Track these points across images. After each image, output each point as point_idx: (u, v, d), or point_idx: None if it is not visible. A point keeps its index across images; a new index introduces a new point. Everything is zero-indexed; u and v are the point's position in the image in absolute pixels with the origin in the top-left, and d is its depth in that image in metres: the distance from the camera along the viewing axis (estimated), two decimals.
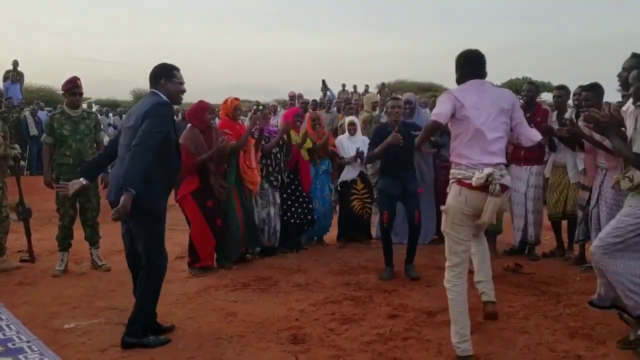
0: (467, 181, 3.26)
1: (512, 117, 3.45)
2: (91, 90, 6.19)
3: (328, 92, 17.97)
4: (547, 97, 17.40)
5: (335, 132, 8.63)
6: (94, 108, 20.53)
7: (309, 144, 6.62)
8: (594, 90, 5.21)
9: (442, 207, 3.45)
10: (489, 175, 3.19)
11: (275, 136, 6.29)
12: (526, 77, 23.24)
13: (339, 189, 6.98)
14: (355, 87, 19.43)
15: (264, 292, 4.99)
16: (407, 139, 5.66)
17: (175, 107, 4.44)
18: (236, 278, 5.38)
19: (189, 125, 5.56)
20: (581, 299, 4.58)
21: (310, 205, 6.61)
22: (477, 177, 3.19)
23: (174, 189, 4.72)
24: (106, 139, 6.03)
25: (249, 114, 7.44)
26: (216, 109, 6.07)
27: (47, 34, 47.21)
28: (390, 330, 3.98)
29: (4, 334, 3.90)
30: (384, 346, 3.71)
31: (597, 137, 4.62)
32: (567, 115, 5.86)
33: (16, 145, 6.18)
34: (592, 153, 5.20)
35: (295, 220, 6.50)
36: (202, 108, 5.48)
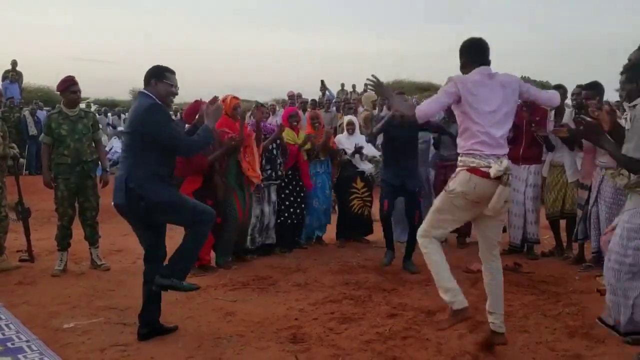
0: (483, 169, 3.24)
1: (522, 93, 3.49)
2: (90, 90, 6.28)
3: (327, 92, 17.98)
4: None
5: (335, 132, 8.64)
6: (93, 108, 20.53)
7: (308, 144, 6.62)
8: (594, 89, 5.22)
9: (446, 187, 3.42)
10: (507, 167, 3.21)
11: (271, 134, 6.31)
12: (524, 77, 23.24)
13: (338, 185, 6.97)
14: (354, 86, 19.43)
15: (264, 291, 4.99)
16: (409, 130, 5.71)
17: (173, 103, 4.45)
18: (235, 277, 5.38)
19: (188, 125, 5.55)
20: (581, 298, 4.60)
21: (303, 205, 6.61)
22: (497, 170, 3.19)
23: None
24: (105, 139, 6.03)
25: (249, 114, 7.43)
26: None
27: (45, 33, 47.17)
28: (390, 330, 3.99)
29: (3, 334, 3.89)
30: (383, 345, 3.71)
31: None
32: (566, 115, 5.87)
33: (14, 145, 6.17)
34: (591, 152, 5.21)
35: (293, 221, 6.51)
36: (198, 107, 5.47)
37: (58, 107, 5.70)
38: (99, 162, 5.83)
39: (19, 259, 5.93)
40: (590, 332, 3.86)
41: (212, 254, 5.87)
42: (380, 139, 6.37)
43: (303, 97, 14.48)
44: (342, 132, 7.60)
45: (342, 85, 19.27)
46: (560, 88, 6.15)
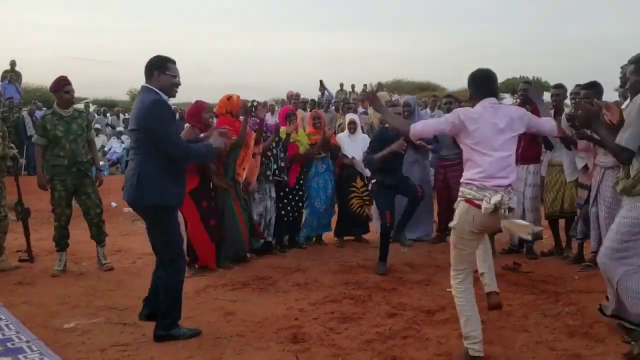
0: (476, 202, 3.26)
1: (530, 128, 3.53)
2: (88, 90, 6.28)
3: (326, 92, 17.96)
4: (508, 101, 17.40)
5: (334, 132, 8.63)
6: (92, 108, 20.51)
7: (304, 139, 6.63)
8: (593, 88, 5.21)
9: (450, 224, 3.46)
10: (498, 203, 3.19)
11: (270, 131, 6.35)
12: (523, 77, 23.25)
13: (338, 184, 6.98)
14: (353, 86, 19.41)
15: (263, 291, 4.99)
16: (410, 143, 5.74)
17: (172, 103, 4.45)
18: (235, 277, 5.38)
19: (188, 125, 5.57)
20: (580, 298, 4.60)
21: (301, 204, 6.62)
22: (485, 207, 3.21)
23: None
24: (104, 139, 6.03)
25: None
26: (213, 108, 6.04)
27: (45, 33, 47.13)
28: (390, 329, 3.99)
29: (3, 334, 3.90)
30: (383, 345, 3.71)
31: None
32: (564, 116, 5.86)
33: (13, 145, 6.17)
34: (591, 152, 5.21)
35: (289, 218, 6.53)
36: (200, 108, 5.48)
37: (51, 108, 5.67)
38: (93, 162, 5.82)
39: (18, 259, 5.94)
40: (589, 331, 3.86)
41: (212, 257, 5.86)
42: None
43: (302, 97, 14.47)
44: (341, 132, 7.58)
45: (341, 85, 19.26)
46: (560, 88, 6.16)
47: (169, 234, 3.76)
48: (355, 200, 6.89)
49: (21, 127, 13.68)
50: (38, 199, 8.51)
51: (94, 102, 24.88)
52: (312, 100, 14.63)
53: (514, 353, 3.57)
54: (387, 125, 6.13)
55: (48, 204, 8.14)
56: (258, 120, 5.95)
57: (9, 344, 3.71)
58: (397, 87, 26.48)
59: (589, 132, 4.41)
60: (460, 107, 5.54)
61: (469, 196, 3.31)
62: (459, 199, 3.40)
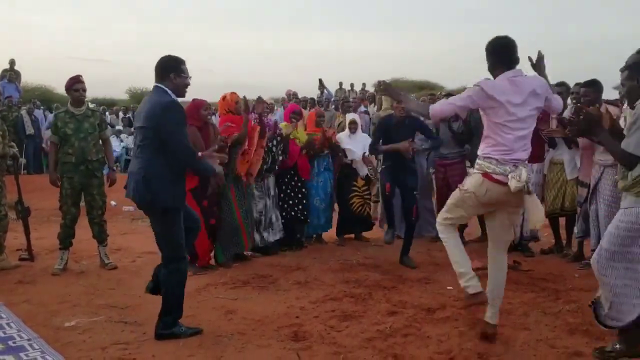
0: (495, 176, 3.25)
1: (547, 99, 3.45)
2: (88, 90, 6.18)
3: (325, 91, 17.95)
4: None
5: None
6: (91, 107, 20.47)
7: (303, 137, 6.64)
8: (593, 86, 5.22)
9: (460, 185, 3.49)
10: (526, 179, 3.20)
11: (270, 128, 6.34)
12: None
13: (339, 182, 6.98)
14: (352, 85, 19.42)
15: (264, 289, 5.00)
16: (409, 127, 5.77)
17: None
18: (235, 276, 5.38)
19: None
20: (580, 296, 4.61)
21: (305, 201, 6.61)
22: (516, 186, 3.19)
23: None
24: None
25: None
26: (213, 107, 6.07)
27: (44, 33, 47.01)
28: (390, 327, 4.00)
29: (4, 332, 3.90)
30: (384, 343, 3.72)
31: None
32: (566, 114, 5.86)
33: (13, 144, 6.17)
34: (590, 149, 5.22)
35: (292, 217, 6.52)
36: (197, 106, 5.48)
37: (65, 106, 5.73)
38: (106, 161, 5.84)
39: (18, 258, 5.93)
40: (590, 329, 3.86)
41: (211, 254, 5.86)
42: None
43: (299, 96, 14.47)
44: (340, 130, 7.58)
45: (340, 84, 19.25)
46: (562, 86, 6.15)
47: (171, 233, 3.77)
48: (356, 199, 6.89)
49: (20, 126, 13.69)
50: (38, 197, 8.54)
51: (93, 101, 24.85)
52: (312, 99, 14.63)
53: (515, 351, 3.57)
54: (389, 113, 6.18)
55: (48, 203, 8.17)
56: (257, 116, 5.96)
57: (10, 343, 3.71)
58: (395, 86, 26.46)
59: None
60: None
61: (488, 170, 3.29)
62: (474, 170, 3.39)
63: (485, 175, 3.29)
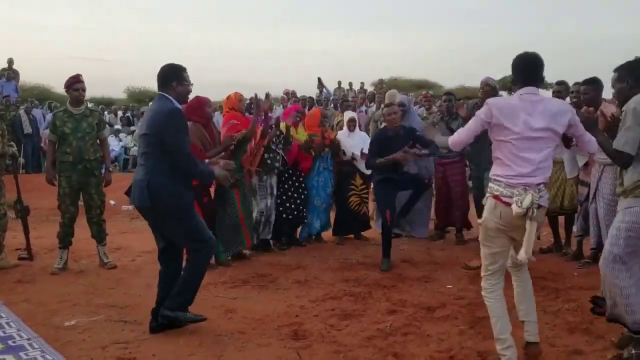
0: (504, 199, 3.14)
1: (570, 126, 3.24)
2: (86, 89, 6.19)
3: (324, 90, 17.94)
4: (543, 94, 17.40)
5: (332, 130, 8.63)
6: (90, 106, 20.45)
7: (302, 136, 6.64)
8: (593, 84, 5.21)
9: (479, 220, 3.36)
10: (530, 204, 3.05)
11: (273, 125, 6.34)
12: None
13: (337, 181, 6.98)
14: (350, 84, 19.38)
15: (264, 288, 5.00)
16: (405, 138, 5.75)
17: None
18: (235, 275, 5.38)
19: (190, 122, 5.56)
20: (579, 294, 4.61)
21: (302, 199, 6.61)
22: (517, 211, 3.06)
23: None
24: None
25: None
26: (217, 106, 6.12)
27: (42, 32, 46.91)
28: (390, 326, 4.00)
29: (4, 332, 3.89)
30: (384, 341, 3.72)
31: None
32: None
33: (12, 143, 6.17)
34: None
35: (288, 216, 6.53)
36: (202, 102, 5.48)
37: (64, 106, 5.74)
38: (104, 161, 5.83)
39: (17, 257, 5.93)
40: (590, 327, 3.88)
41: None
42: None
43: (298, 95, 14.46)
44: (339, 129, 7.58)
45: (339, 83, 19.23)
46: (562, 85, 6.17)
47: (189, 227, 3.81)
48: (354, 198, 6.89)
49: (18, 126, 13.67)
50: (37, 197, 8.53)
51: (92, 100, 24.82)
52: (310, 98, 14.62)
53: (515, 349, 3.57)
54: (384, 125, 6.15)
55: (47, 202, 8.16)
56: (263, 113, 6.00)
57: (9, 342, 3.71)
58: (394, 85, 26.43)
59: None
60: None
61: (496, 192, 3.18)
62: (487, 194, 3.29)
63: (496, 197, 3.19)
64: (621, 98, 3.50)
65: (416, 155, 5.63)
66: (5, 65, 15.57)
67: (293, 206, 6.52)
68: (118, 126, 16.66)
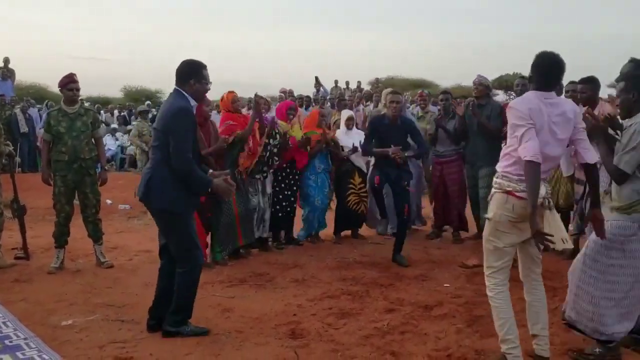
0: (517, 193, 3.11)
1: (574, 128, 3.20)
2: (82, 88, 6.14)
3: (321, 89, 17.95)
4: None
5: (329, 128, 8.62)
6: (85, 105, 20.40)
7: (299, 135, 6.64)
8: (590, 83, 5.21)
9: (486, 215, 3.32)
10: (546, 195, 3.08)
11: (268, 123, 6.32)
12: (517, 74, 23.27)
13: (336, 180, 6.98)
14: (347, 83, 19.40)
15: (261, 287, 4.99)
16: (402, 130, 5.76)
17: None
18: (232, 274, 5.38)
19: None
20: None
21: (293, 198, 6.63)
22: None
23: None
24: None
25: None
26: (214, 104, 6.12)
27: (38, 31, 46.84)
28: (388, 324, 4.01)
29: (0, 331, 3.88)
30: (381, 340, 3.73)
31: None
32: None
33: (9, 143, 6.16)
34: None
35: (285, 214, 6.53)
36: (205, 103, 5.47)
37: (58, 105, 5.73)
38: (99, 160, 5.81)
39: (14, 257, 5.91)
40: None
41: (207, 250, 5.84)
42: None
43: (295, 94, 14.42)
44: (337, 128, 7.58)
45: (336, 82, 19.24)
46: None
47: (178, 235, 3.79)
48: (353, 197, 6.89)
49: (14, 125, 13.62)
50: (33, 196, 8.49)
51: (88, 99, 24.75)
52: (307, 97, 14.62)
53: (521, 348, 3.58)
54: (382, 112, 6.14)
55: (43, 202, 8.12)
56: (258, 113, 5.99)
57: (6, 342, 3.70)
58: (390, 84, 26.46)
59: None
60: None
61: (508, 188, 3.15)
62: (493, 190, 3.26)
63: (507, 192, 3.16)
64: (624, 108, 3.47)
65: (402, 155, 5.62)
66: (2, 64, 15.52)
67: (287, 204, 6.52)
68: (114, 125, 16.64)
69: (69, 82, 5.54)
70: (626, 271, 3.36)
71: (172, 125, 3.65)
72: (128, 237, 7.27)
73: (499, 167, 3.28)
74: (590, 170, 3.26)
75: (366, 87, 20.11)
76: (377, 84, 21.02)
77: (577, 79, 5.49)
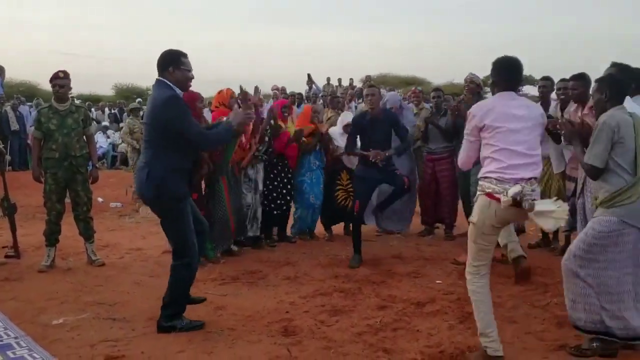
0: (497, 195, 3.16)
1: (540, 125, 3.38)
2: (73, 85, 6.09)
3: (313, 86, 17.94)
4: (528, 90, 17.50)
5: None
6: (76, 103, 20.27)
7: (291, 129, 6.63)
8: (581, 80, 5.23)
9: (470, 218, 3.37)
10: (517, 194, 3.05)
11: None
12: None
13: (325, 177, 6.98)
14: (340, 80, 19.39)
15: (253, 285, 4.99)
16: (384, 124, 5.74)
17: None
18: (225, 272, 5.36)
19: None
20: None
21: (289, 197, 6.62)
22: (504, 201, 3.09)
23: None
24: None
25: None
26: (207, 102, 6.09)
27: (29, 28, 46.48)
28: (380, 321, 4.01)
29: None
30: (374, 337, 3.73)
31: None
32: (551, 109, 5.90)
33: None
34: None
35: (278, 211, 6.51)
36: (193, 98, 5.41)
37: (49, 102, 5.68)
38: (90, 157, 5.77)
39: (4, 255, 5.88)
40: None
41: None
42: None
43: (287, 91, 14.41)
44: (330, 125, 7.54)
45: (328, 79, 19.24)
46: (547, 79, 6.21)
47: (177, 228, 3.83)
48: (340, 193, 6.89)
49: (4, 122, 13.53)
50: (23, 194, 8.45)
51: (79, 97, 24.60)
52: (299, 94, 14.61)
53: (504, 344, 3.56)
54: (366, 110, 6.13)
55: (34, 200, 8.08)
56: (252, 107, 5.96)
57: None
58: (383, 81, 26.46)
59: None
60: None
61: (488, 190, 3.20)
62: (478, 193, 3.32)
63: (488, 195, 3.21)
64: (598, 109, 3.60)
65: (381, 158, 5.59)
66: None
67: (282, 201, 6.50)
68: (106, 123, 16.55)
69: (54, 79, 5.50)
70: (615, 265, 3.40)
71: (166, 114, 3.63)
72: (119, 235, 7.24)
73: (481, 172, 3.35)
74: None
75: (358, 84, 20.10)
76: (370, 82, 21.00)
77: (565, 76, 5.53)
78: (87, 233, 5.71)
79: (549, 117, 5.38)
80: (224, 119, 5.75)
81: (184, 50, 3.83)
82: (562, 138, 4.85)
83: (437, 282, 5.02)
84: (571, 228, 5.64)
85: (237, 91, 5.83)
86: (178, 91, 3.75)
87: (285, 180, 6.57)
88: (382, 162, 5.59)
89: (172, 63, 3.74)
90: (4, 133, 12.93)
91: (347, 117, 7.15)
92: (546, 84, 6.16)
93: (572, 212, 5.47)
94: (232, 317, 4.15)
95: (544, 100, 6.05)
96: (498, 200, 3.15)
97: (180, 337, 3.76)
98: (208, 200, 5.70)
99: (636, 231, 3.40)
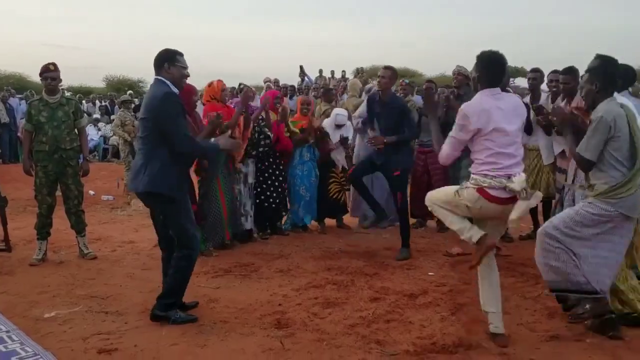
0: (490, 191, 3.24)
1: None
2: (64, 77, 6.05)
3: (306, 78, 17.88)
4: (520, 82, 17.53)
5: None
6: (67, 95, 20.13)
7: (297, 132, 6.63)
8: (571, 74, 5.25)
9: (457, 190, 3.42)
10: (521, 182, 3.21)
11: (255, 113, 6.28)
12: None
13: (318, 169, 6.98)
14: (332, 72, 19.37)
15: (246, 278, 4.99)
16: (392, 110, 5.70)
17: None
18: (217, 264, 5.36)
19: None
20: None
21: (280, 189, 6.59)
22: (520, 183, 3.22)
23: None
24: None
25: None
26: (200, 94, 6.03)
27: (19, 20, 46.13)
28: (373, 313, 4.02)
29: None
30: (367, 329, 3.74)
31: None
32: (542, 100, 5.91)
33: None
34: None
35: (271, 205, 6.50)
36: (189, 91, 5.38)
37: (40, 94, 5.64)
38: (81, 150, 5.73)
39: None
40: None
41: None
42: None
43: (279, 83, 14.35)
44: (325, 117, 7.52)
45: (320, 71, 19.20)
46: (536, 71, 6.22)
47: (178, 222, 3.85)
48: (334, 186, 6.91)
49: None
50: (14, 187, 8.40)
51: (69, 89, 24.44)
52: (292, 86, 14.56)
53: None
54: (375, 91, 6.13)
55: (24, 193, 8.03)
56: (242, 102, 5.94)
57: None
58: (374, 73, 26.44)
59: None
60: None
61: (483, 184, 3.27)
62: (470, 183, 3.37)
63: (480, 191, 3.28)
64: (588, 100, 3.64)
65: (379, 143, 5.59)
66: None
67: (274, 194, 6.49)
68: (97, 115, 16.44)
69: (44, 72, 5.45)
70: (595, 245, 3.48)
71: (161, 110, 3.67)
72: (111, 228, 7.21)
73: (473, 169, 3.39)
74: None
75: (351, 76, 20.06)
76: (362, 74, 20.96)
77: (555, 68, 5.55)
78: (79, 226, 5.69)
79: (540, 108, 5.44)
80: (215, 136, 5.74)
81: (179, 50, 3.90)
82: (553, 129, 4.89)
83: (430, 274, 5.04)
84: None
85: (228, 84, 5.80)
86: (175, 90, 3.79)
87: (277, 173, 6.56)
88: (379, 147, 5.60)
89: (168, 60, 3.80)
90: None
91: (340, 117, 7.12)
92: (536, 75, 6.17)
93: (563, 204, 5.50)
94: (225, 310, 4.15)
95: (533, 92, 6.06)
96: (488, 197, 3.25)
97: (173, 330, 3.75)
98: (201, 196, 5.67)
99: (629, 223, 3.44)
